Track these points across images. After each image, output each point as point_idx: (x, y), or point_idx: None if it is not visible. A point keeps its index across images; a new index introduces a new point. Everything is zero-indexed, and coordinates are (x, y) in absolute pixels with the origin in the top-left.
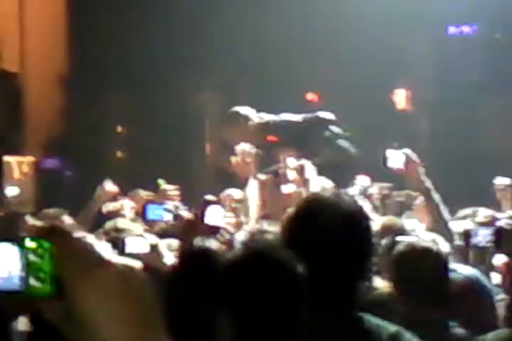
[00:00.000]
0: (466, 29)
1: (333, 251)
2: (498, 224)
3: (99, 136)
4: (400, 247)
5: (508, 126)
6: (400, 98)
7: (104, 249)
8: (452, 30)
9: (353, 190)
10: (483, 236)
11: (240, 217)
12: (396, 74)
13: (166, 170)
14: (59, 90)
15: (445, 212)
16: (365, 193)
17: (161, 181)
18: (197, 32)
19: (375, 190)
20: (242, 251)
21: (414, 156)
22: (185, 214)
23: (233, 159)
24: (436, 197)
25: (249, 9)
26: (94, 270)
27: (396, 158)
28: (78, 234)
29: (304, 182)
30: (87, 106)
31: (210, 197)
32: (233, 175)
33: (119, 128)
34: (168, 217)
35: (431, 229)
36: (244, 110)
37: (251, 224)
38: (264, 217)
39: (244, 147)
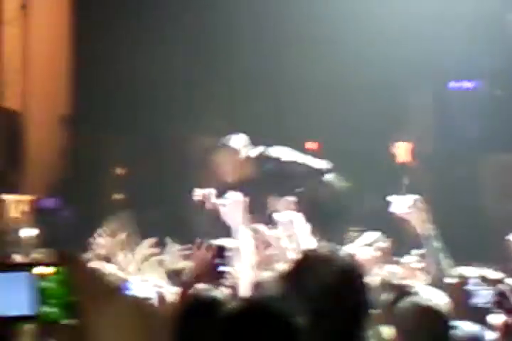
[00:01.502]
0: (466, 84)
1: (329, 308)
2: (501, 286)
3: (99, 178)
4: (402, 305)
5: (506, 184)
6: (401, 151)
7: None
8: (452, 85)
9: (360, 242)
10: (483, 297)
11: (235, 266)
12: (396, 128)
13: (165, 216)
14: (60, 129)
15: (445, 262)
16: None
17: (169, 240)
18: (201, 77)
19: (383, 243)
20: (242, 303)
21: (419, 202)
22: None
23: (222, 207)
24: (436, 245)
25: (245, 52)
26: (109, 297)
27: (400, 203)
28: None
29: (292, 237)
30: (88, 146)
31: (222, 243)
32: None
33: (119, 171)
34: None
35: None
36: (234, 142)
37: (246, 274)
38: (259, 265)
39: (233, 195)
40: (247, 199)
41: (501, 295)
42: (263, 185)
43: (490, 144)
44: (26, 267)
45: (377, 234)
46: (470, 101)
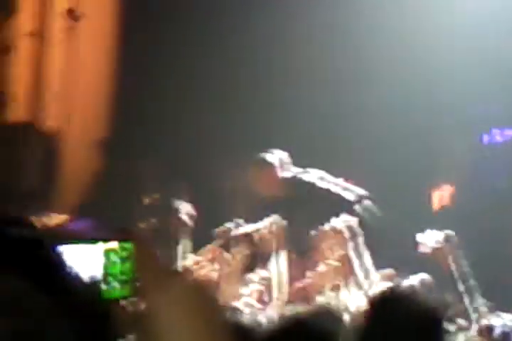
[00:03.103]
0: (499, 137)
1: None
2: None
3: (131, 202)
4: None
5: None
6: (439, 195)
7: None
8: (486, 138)
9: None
10: None
11: (263, 295)
12: (434, 172)
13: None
14: (97, 152)
15: (478, 301)
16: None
17: None
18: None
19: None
20: (283, 323)
21: (449, 239)
22: None
23: (258, 234)
24: (462, 287)
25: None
26: (171, 276)
27: (429, 241)
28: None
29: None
30: (122, 171)
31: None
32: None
33: (151, 198)
34: None
35: None
36: (272, 158)
37: (277, 303)
38: (293, 295)
39: (271, 220)
40: (285, 224)
41: None
42: (295, 209)
43: None
44: (95, 241)
45: (422, 276)
46: (502, 152)
